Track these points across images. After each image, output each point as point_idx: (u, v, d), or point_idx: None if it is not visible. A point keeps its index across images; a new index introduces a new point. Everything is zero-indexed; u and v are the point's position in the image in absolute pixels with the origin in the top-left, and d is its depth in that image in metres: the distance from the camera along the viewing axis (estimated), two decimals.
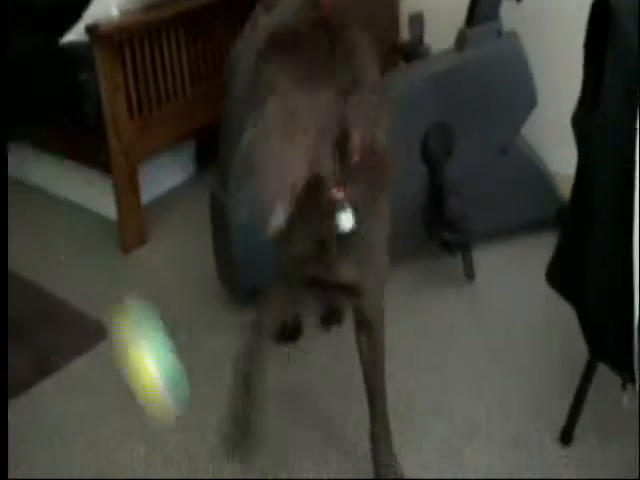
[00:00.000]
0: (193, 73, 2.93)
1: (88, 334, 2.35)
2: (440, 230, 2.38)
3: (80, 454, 1.98)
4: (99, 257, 2.79)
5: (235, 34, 2.91)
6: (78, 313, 2.46)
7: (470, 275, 2.44)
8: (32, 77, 2.91)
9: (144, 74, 2.75)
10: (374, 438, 1.79)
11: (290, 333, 2.26)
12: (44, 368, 2.25)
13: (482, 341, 2.23)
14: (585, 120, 1.69)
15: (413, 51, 2.53)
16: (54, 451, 2.00)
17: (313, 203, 1.45)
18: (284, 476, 1.84)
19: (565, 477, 1.77)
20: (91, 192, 3.05)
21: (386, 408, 1.78)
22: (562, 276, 1.82)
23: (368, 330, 1.72)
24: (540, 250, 2.06)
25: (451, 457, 1.86)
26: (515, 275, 2.49)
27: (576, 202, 1.77)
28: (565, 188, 2.20)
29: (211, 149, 2.68)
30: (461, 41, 2.44)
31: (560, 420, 1.86)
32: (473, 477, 1.79)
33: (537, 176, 2.56)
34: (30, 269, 2.67)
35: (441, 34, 2.48)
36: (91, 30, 2.55)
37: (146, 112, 2.78)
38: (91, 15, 2.69)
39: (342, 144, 1.42)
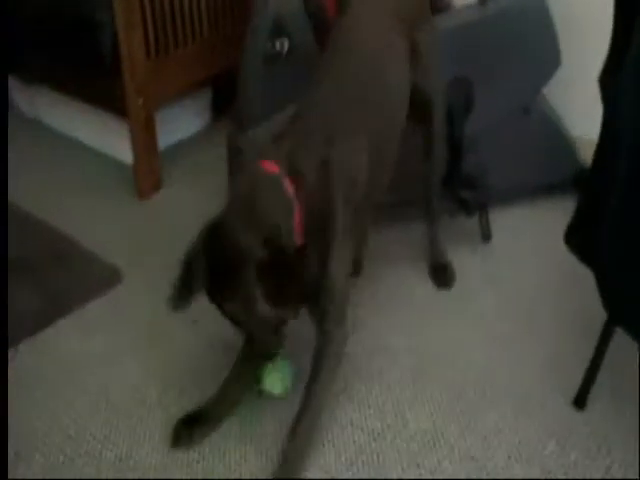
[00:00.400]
0: (211, 16, 2.87)
1: (103, 277, 2.35)
2: (457, 187, 2.35)
3: (94, 396, 1.99)
4: (114, 201, 2.77)
5: None
6: (93, 256, 2.45)
7: (486, 236, 2.42)
8: (46, 12, 2.88)
9: (162, 13, 2.70)
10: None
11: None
12: (59, 309, 2.24)
13: (497, 302, 2.22)
14: (612, 80, 1.67)
15: (437, 4, 2.50)
16: (67, 392, 2.01)
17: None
18: None
19: (577, 440, 1.77)
20: (107, 135, 3.02)
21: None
22: (581, 239, 1.80)
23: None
24: (558, 214, 2.06)
25: (463, 414, 1.86)
26: (532, 237, 2.47)
27: (598, 165, 1.74)
28: (586, 152, 2.21)
29: (228, 97, 2.66)
30: None
31: (575, 383, 1.85)
32: (482, 435, 1.80)
33: (558, 138, 2.52)
34: (45, 210, 2.66)
35: None
36: None
37: (163, 53, 2.72)
38: None
39: None
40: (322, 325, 1.76)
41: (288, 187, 1.64)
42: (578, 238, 1.81)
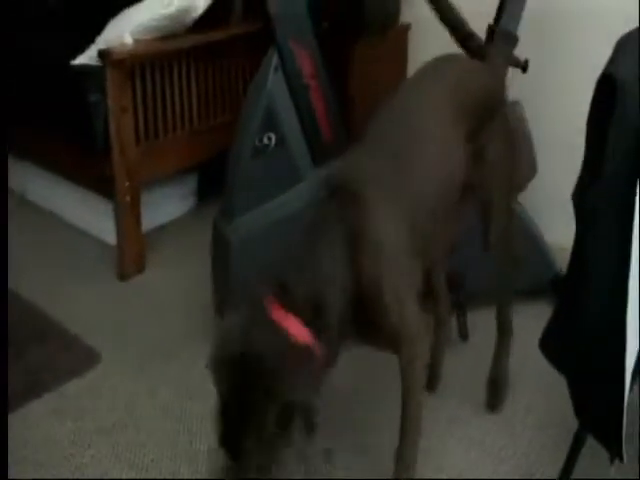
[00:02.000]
0: (202, 105, 2.97)
1: (81, 359, 2.36)
2: None
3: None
4: (97, 281, 2.80)
5: (246, 70, 3.01)
6: (73, 337, 2.47)
7: (464, 335, 2.47)
8: (41, 91, 2.95)
9: (153, 101, 2.80)
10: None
11: None
12: (35, 388, 2.25)
13: (473, 401, 2.24)
14: (585, 197, 1.73)
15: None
16: (39, 472, 2.01)
17: None
18: None
19: None
20: (92, 215, 3.07)
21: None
22: (555, 346, 1.84)
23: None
24: (533, 319, 2.08)
25: None
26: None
27: (572, 275, 1.79)
28: (562, 258, 2.28)
29: (213, 182, 2.72)
30: None
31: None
32: None
33: (534, 245, 2.59)
34: (27, 288, 2.68)
35: None
36: (104, 55, 2.60)
37: (152, 138, 2.81)
38: (104, 40, 2.73)
39: None
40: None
41: (319, 358, 1.53)
42: (552, 344, 1.85)
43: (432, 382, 2.23)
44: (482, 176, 1.94)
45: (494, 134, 1.94)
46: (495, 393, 2.23)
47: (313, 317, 1.52)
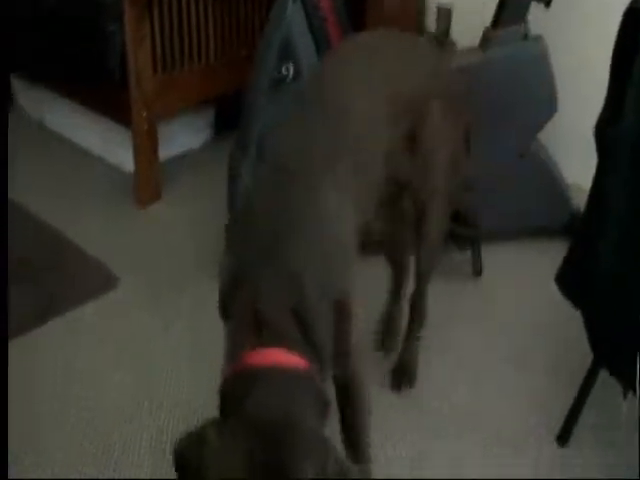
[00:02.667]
0: (219, 37, 2.93)
1: (98, 282, 2.39)
2: (451, 221, 2.41)
3: (81, 392, 2.05)
4: (114, 208, 2.81)
5: (263, 6, 2.97)
6: (90, 260, 2.49)
7: (477, 271, 2.48)
8: (59, 21, 2.92)
9: (170, 31, 2.77)
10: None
11: None
12: (53, 309, 2.28)
13: (484, 337, 2.26)
14: (607, 131, 1.71)
15: (438, 44, 2.56)
16: (56, 389, 2.06)
17: None
18: None
19: (558, 475, 1.81)
20: (110, 143, 3.06)
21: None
22: (571, 281, 1.85)
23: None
24: (549, 256, 2.10)
25: (447, 450, 1.89)
26: (522, 277, 2.51)
27: (591, 210, 1.79)
28: (579, 198, 2.28)
29: (230, 116, 2.71)
30: (485, 41, 2.44)
31: (559, 421, 1.90)
32: (468, 470, 1.83)
33: (552, 184, 2.58)
34: (45, 211, 2.70)
35: (469, 31, 2.49)
36: None
37: (169, 69, 2.79)
38: None
39: None
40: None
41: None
42: (568, 280, 1.86)
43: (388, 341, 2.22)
44: (414, 171, 1.82)
45: (430, 122, 1.79)
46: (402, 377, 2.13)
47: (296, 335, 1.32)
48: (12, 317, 2.14)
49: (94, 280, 2.41)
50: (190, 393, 2.03)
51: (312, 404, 1.25)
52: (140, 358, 2.17)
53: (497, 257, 2.55)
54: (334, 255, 1.43)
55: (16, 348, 2.15)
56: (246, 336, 1.30)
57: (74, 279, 2.41)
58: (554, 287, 1.88)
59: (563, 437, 1.88)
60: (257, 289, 1.31)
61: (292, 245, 1.35)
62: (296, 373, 1.26)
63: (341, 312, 1.41)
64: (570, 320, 1.87)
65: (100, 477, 1.81)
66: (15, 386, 2.00)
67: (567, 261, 1.87)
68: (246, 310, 1.31)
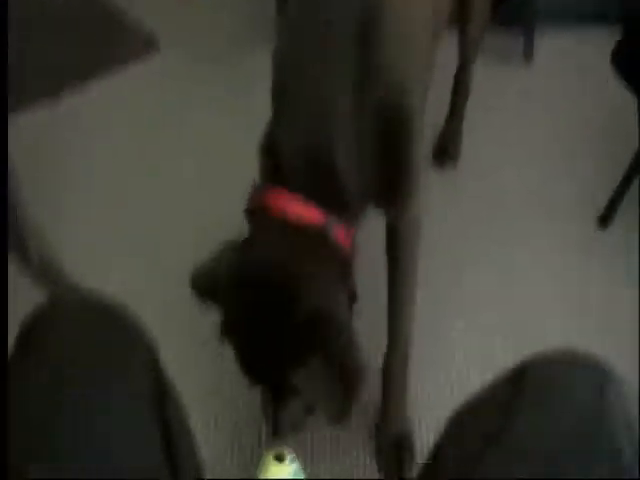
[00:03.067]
0: None
1: (141, 43, 2.35)
2: None
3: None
4: None
5: None
6: (134, 21, 2.43)
7: (529, 54, 2.37)
8: None
9: None
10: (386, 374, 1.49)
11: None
12: (98, 66, 2.26)
13: (531, 122, 2.21)
14: None
15: None
16: (100, 151, 2.07)
17: None
18: None
19: (597, 255, 1.83)
20: None
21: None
22: (627, 60, 1.79)
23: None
24: (605, 42, 2.02)
25: (483, 234, 1.89)
26: (575, 65, 2.41)
27: None
28: None
29: None
30: None
31: (602, 203, 1.90)
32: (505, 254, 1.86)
33: None
34: None
35: None
36: None
37: None
38: None
39: None
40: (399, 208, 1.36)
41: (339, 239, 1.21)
42: (624, 58, 1.80)
43: (452, 152, 2.09)
44: None
45: None
46: (445, 154, 2.08)
47: (318, 182, 1.19)
48: (56, 73, 2.16)
49: (137, 41, 2.36)
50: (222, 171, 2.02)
51: (320, 260, 1.16)
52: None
53: (551, 42, 2.44)
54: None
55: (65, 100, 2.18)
56: (269, 174, 1.22)
57: (118, 39, 2.37)
58: (607, 79, 1.83)
59: (605, 219, 1.89)
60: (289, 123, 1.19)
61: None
62: (307, 227, 1.16)
63: (400, 136, 1.21)
64: (620, 112, 1.82)
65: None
66: (48, 149, 2.05)
67: (623, 40, 1.80)
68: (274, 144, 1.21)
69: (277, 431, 1.27)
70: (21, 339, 0.75)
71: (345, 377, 1.13)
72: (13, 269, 1.70)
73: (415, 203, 1.32)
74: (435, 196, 1.94)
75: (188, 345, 1.61)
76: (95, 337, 0.73)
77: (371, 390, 1.49)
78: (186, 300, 1.26)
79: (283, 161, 1.18)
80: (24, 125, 2.08)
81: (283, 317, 1.10)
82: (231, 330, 1.16)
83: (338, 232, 1.18)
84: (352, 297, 1.25)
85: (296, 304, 1.10)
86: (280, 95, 1.21)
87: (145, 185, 1.99)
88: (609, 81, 1.84)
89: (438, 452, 0.78)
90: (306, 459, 1.41)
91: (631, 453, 0.62)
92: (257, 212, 1.19)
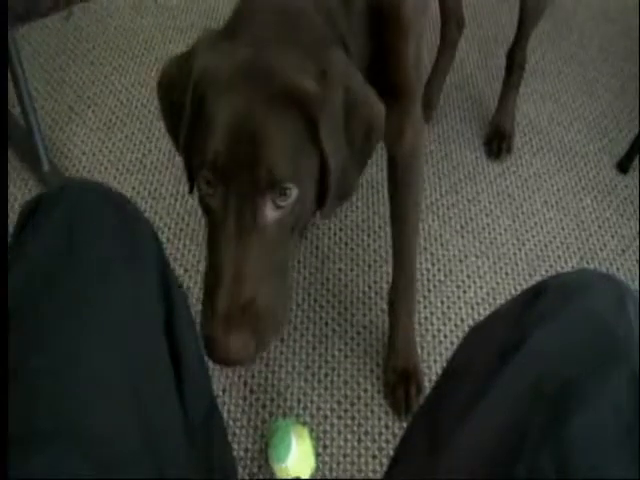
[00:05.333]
0: None
1: None
2: None
3: (144, 66, 2.02)
4: None
5: None
6: None
7: None
8: None
9: None
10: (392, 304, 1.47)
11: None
12: None
13: (557, 58, 2.18)
14: None
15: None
16: (120, 60, 2.03)
17: None
18: None
19: (614, 199, 1.81)
20: None
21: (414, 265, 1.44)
22: None
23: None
24: None
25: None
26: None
27: None
28: None
29: None
30: None
31: (622, 149, 1.88)
32: (523, 178, 1.82)
33: None
34: None
35: None
36: None
37: None
38: None
39: None
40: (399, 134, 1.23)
41: None
42: None
43: (426, 113, 1.94)
44: None
45: None
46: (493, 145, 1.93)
47: None
48: None
49: None
50: None
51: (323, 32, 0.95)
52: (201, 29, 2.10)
53: None
54: None
55: (78, 13, 2.14)
56: None
57: None
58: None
59: (624, 164, 1.86)
60: None
61: None
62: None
63: (394, 40, 1.07)
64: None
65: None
66: (81, 49, 2.01)
67: None
68: None
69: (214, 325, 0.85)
70: (22, 220, 0.71)
71: (364, 116, 0.94)
72: (23, 177, 1.72)
73: (412, 124, 1.22)
74: (454, 137, 1.93)
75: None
76: (101, 219, 0.70)
77: (379, 327, 1.52)
78: None
79: None
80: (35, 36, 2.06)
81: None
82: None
83: None
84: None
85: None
86: None
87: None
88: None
89: (451, 370, 0.77)
90: (312, 397, 1.41)
91: None
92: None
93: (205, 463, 0.71)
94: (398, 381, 1.42)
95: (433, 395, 0.76)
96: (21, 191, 1.71)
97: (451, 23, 1.93)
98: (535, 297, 0.66)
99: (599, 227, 1.74)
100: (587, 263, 1.66)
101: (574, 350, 0.61)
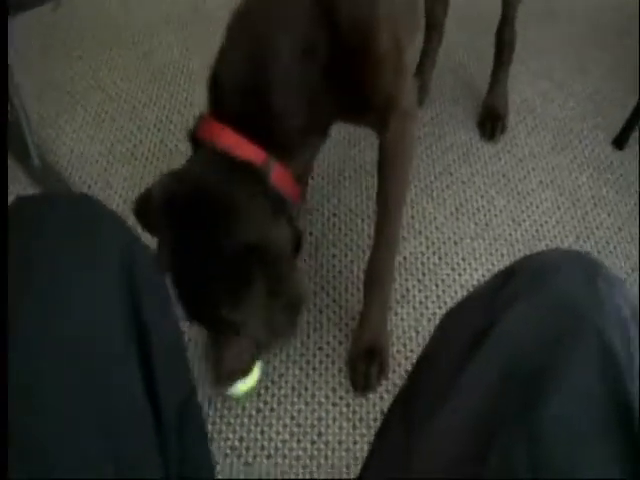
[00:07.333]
0: None
1: None
2: None
3: (135, 60, 2.02)
4: None
5: None
6: None
7: None
8: None
9: None
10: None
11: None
12: None
13: (552, 35, 2.15)
14: None
15: None
16: (109, 51, 2.03)
17: None
18: None
19: (610, 176, 1.78)
20: None
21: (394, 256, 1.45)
22: None
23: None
24: None
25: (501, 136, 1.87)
26: None
27: None
28: None
29: None
30: None
31: (617, 125, 1.85)
32: (517, 158, 1.81)
33: None
34: None
35: None
36: None
37: None
38: None
39: None
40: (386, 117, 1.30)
41: (278, 180, 1.15)
42: None
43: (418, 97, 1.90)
44: None
45: None
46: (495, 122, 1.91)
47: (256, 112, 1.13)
48: None
49: None
50: None
51: (255, 194, 1.11)
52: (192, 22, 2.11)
53: None
54: None
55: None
56: (211, 107, 1.17)
57: None
58: None
59: (619, 140, 1.84)
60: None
61: None
62: (242, 161, 1.11)
63: (368, 67, 1.17)
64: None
65: None
66: (67, 40, 1.99)
67: None
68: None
69: (220, 376, 1.26)
70: None
71: (287, 305, 1.14)
72: (14, 173, 1.72)
73: (397, 114, 1.27)
74: (447, 118, 1.92)
75: None
76: (64, 222, 0.69)
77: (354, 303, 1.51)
78: None
79: (223, 95, 1.14)
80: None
81: (215, 250, 1.07)
82: (165, 264, 1.10)
83: (277, 171, 1.13)
84: (297, 242, 1.19)
85: (231, 235, 1.07)
86: (229, 30, 1.16)
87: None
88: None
89: (426, 356, 0.76)
90: (306, 385, 1.40)
91: (626, 356, 0.59)
92: (196, 142, 1.17)
93: (179, 463, 0.71)
94: (361, 358, 1.40)
95: (409, 383, 0.75)
96: (13, 186, 1.70)
97: (435, 4, 1.91)
98: (507, 279, 0.65)
99: (595, 205, 1.72)
100: (583, 242, 1.64)
101: (543, 332, 0.59)
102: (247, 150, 1.11)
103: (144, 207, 1.16)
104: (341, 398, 1.37)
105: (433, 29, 1.93)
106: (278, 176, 1.14)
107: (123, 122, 1.86)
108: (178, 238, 1.09)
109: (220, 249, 1.06)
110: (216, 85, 1.16)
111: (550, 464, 0.55)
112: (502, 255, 1.61)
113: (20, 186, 1.69)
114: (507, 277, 0.66)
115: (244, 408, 1.35)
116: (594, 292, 0.61)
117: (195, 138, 1.17)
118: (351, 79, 1.16)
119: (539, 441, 0.55)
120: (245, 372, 1.29)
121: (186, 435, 0.71)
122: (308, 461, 1.29)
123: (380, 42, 1.15)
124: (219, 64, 1.16)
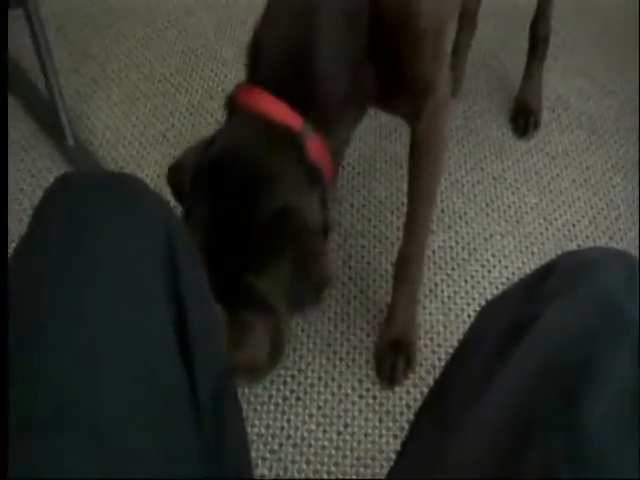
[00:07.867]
0: None
1: None
2: None
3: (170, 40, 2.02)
4: None
5: None
6: None
7: None
8: None
9: None
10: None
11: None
12: None
13: (578, 37, 2.13)
14: None
15: None
16: (145, 29, 2.03)
17: None
18: None
19: None
20: None
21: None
22: None
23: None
24: None
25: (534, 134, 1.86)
26: None
27: None
28: None
29: None
30: None
31: None
32: (550, 155, 1.79)
33: None
34: None
35: None
36: None
37: None
38: None
39: None
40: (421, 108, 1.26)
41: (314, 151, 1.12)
42: None
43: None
44: None
45: None
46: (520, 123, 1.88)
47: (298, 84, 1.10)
48: None
49: None
50: None
51: (289, 161, 1.09)
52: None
53: None
54: None
55: None
56: (250, 73, 1.15)
57: None
58: None
59: None
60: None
61: None
62: (278, 126, 1.08)
63: (404, 33, 1.12)
64: None
65: None
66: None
67: None
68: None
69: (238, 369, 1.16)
70: (41, 204, 0.71)
71: (313, 283, 1.11)
72: (50, 153, 1.72)
73: (431, 104, 1.24)
74: (479, 113, 1.90)
75: None
76: (97, 204, 0.69)
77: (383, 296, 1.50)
78: None
79: (263, 61, 1.12)
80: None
81: (247, 214, 1.05)
82: (195, 225, 1.07)
83: (314, 141, 1.10)
84: (326, 223, 1.16)
85: (262, 200, 1.05)
86: None
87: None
88: None
89: (462, 349, 0.76)
90: (333, 375, 1.39)
91: None
92: (232, 109, 1.14)
93: (215, 447, 0.71)
94: (388, 351, 1.40)
95: (443, 376, 0.75)
96: (46, 165, 1.71)
97: None
98: (547, 275, 0.66)
99: (628, 207, 1.71)
100: (616, 243, 1.63)
101: (584, 328, 0.60)
102: (285, 114, 1.08)
103: (178, 177, 1.15)
104: (368, 390, 1.38)
105: (466, 20, 1.91)
106: (315, 147, 1.11)
107: (157, 103, 1.86)
108: (209, 202, 1.07)
109: (251, 213, 1.05)
110: (256, 50, 1.14)
111: (588, 458, 0.55)
112: (532, 253, 1.61)
113: (54, 165, 1.70)
114: (547, 273, 0.66)
115: (271, 396, 1.36)
116: (634, 289, 0.61)
117: (231, 105, 1.14)
118: (390, 56, 1.13)
119: (578, 436, 0.55)
120: (264, 370, 1.21)
121: (222, 421, 0.71)
122: (334, 451, 1.29)
123: (421, 19, 1.12)
124: (260, 28, 1.14)
